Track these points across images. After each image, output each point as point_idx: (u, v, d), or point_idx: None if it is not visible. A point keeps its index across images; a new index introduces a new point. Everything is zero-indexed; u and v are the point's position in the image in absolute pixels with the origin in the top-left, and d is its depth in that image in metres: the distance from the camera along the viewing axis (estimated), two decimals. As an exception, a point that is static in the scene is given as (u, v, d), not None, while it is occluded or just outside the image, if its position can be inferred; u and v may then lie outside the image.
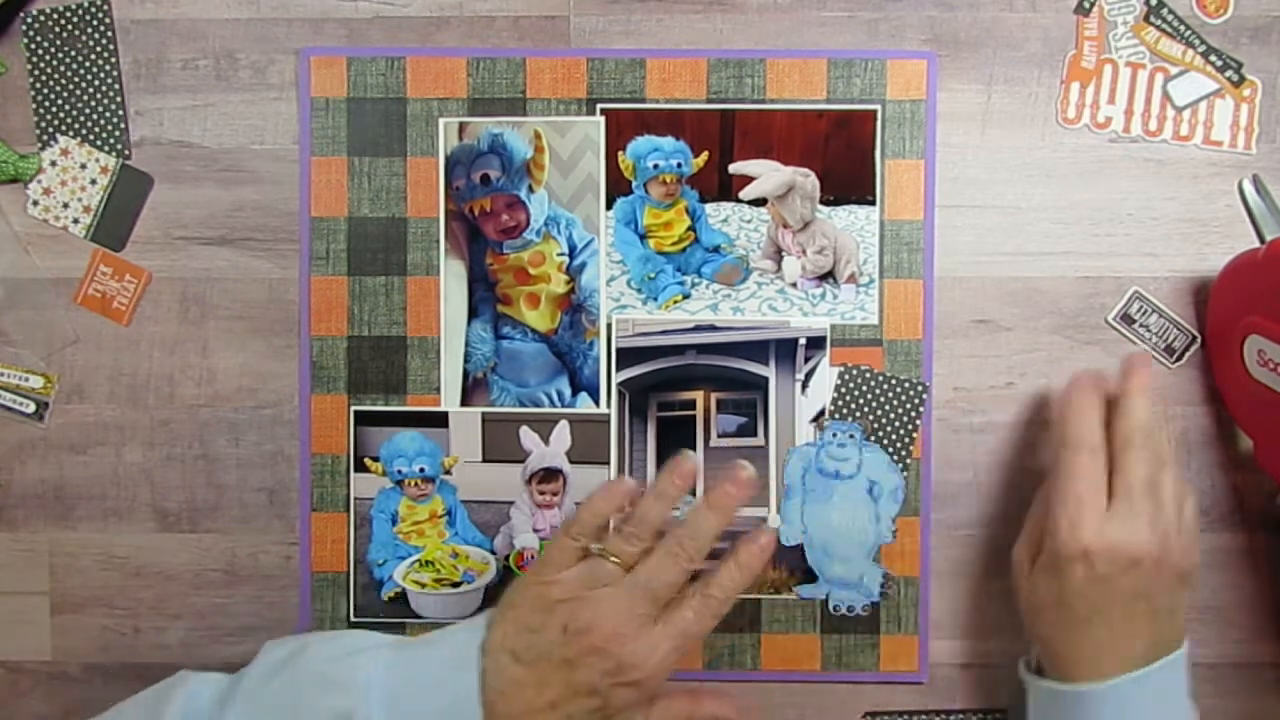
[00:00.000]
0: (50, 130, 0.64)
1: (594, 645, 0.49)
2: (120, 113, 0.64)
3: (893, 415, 0.63)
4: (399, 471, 0.64)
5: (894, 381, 0.63)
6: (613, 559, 0.52)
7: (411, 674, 0.50)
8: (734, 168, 0.63)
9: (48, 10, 0.63)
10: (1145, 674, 0.53)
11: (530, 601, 0.51)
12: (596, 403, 0.64)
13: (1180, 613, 0.55)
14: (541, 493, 0.64)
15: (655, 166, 0.63)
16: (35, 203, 0.64)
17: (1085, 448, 0.55)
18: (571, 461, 0.64)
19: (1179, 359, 0.63)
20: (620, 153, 0.63)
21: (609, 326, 0.64)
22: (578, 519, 0.53)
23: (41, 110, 0.64)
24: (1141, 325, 0.63)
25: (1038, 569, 0.56)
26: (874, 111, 0.63)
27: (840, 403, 0.63)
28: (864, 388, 0.63)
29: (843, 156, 0.63)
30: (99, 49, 0.64)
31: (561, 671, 0.49)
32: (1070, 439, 0.55)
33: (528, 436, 0.64)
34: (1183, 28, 0.63)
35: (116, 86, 0.64)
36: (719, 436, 0.64)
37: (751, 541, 0.53)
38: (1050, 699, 0.56)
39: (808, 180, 0.63)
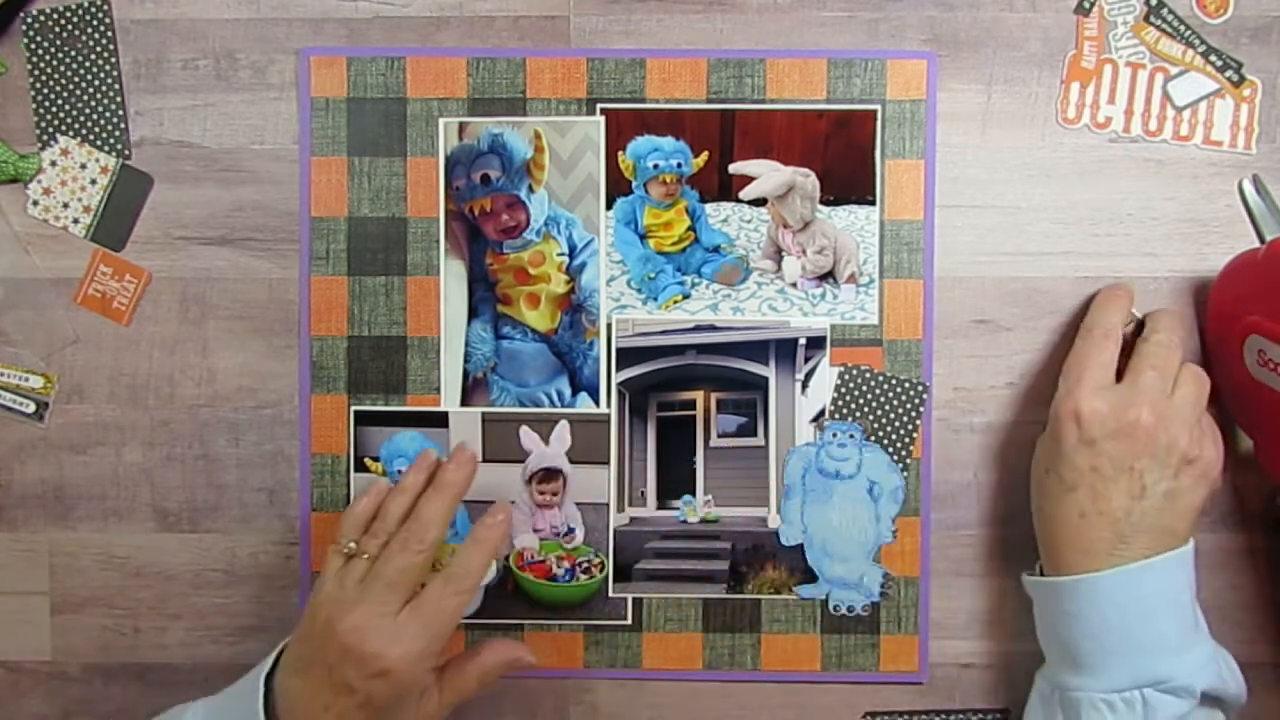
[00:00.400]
0: (50, 130, 0.64)
1: (341, 643, 0.51)
2: (120, 113, 0.64)
3: (893, 415, 0.63)
4: (399, 471, 0.64)
5: (894, 381, 0.63)
6: (364, 556, 0.53)
7: (219, 707, 0.54)
8: (734, 168, 0.63)
9: (48, 10, 0.63)
10: (1134, 569, 0.54)
11: (305, 612, 0.54)
12: (596, 403, 0.64)
13: (1185, 503, 0.55)
14: (541, 493, 0.64)
15: (655, 166, 0.63)
16: (35, 203, 0.64)
17: (1100, 329, 0.58)
18: (571, 461, 0.64)
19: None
20: (620, 153, 0.63)
21: (609, 326, 0.64)
22: (342, 525, 0.55)
23: (41, 110, 0.64)
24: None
25: (1041, 438, 0.59)
26: (874, 111, 0.63)
27: (840, 403, 0.63)
28: (864, 388, 0.63)
29: (843, 156, 0.63)
30: (99, 49, 0.64)
31: (326, 674, 0.51)
32: (1088, 323, 0.59)
33: (528, 436, 0.64)
34: (1183, 28, 0.63)
35: (116, 86, 0.64)
36: (719, 436, 0.64)
37: (488, 516, 0.55)
38: (1042, 595, 0.58)
39: (808, 180, 0.63)
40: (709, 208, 0.64)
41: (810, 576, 0.64)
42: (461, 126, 0.63)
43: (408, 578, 0.52)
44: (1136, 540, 0.54)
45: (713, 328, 0.64)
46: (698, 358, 0.64)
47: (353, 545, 0.54)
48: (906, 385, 0.63)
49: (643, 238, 0.64)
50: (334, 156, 0.64)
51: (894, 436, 0.63)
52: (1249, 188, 0.63)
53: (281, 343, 0.64)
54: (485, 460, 0.64)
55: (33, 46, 0.63)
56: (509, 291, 0.64)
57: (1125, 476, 0.55)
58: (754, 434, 0.64)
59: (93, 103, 0.64)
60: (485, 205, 0.64)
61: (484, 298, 0.64)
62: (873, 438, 0.63)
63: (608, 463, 0.64)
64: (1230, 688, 0.55)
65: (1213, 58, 0.63)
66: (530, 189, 0.64)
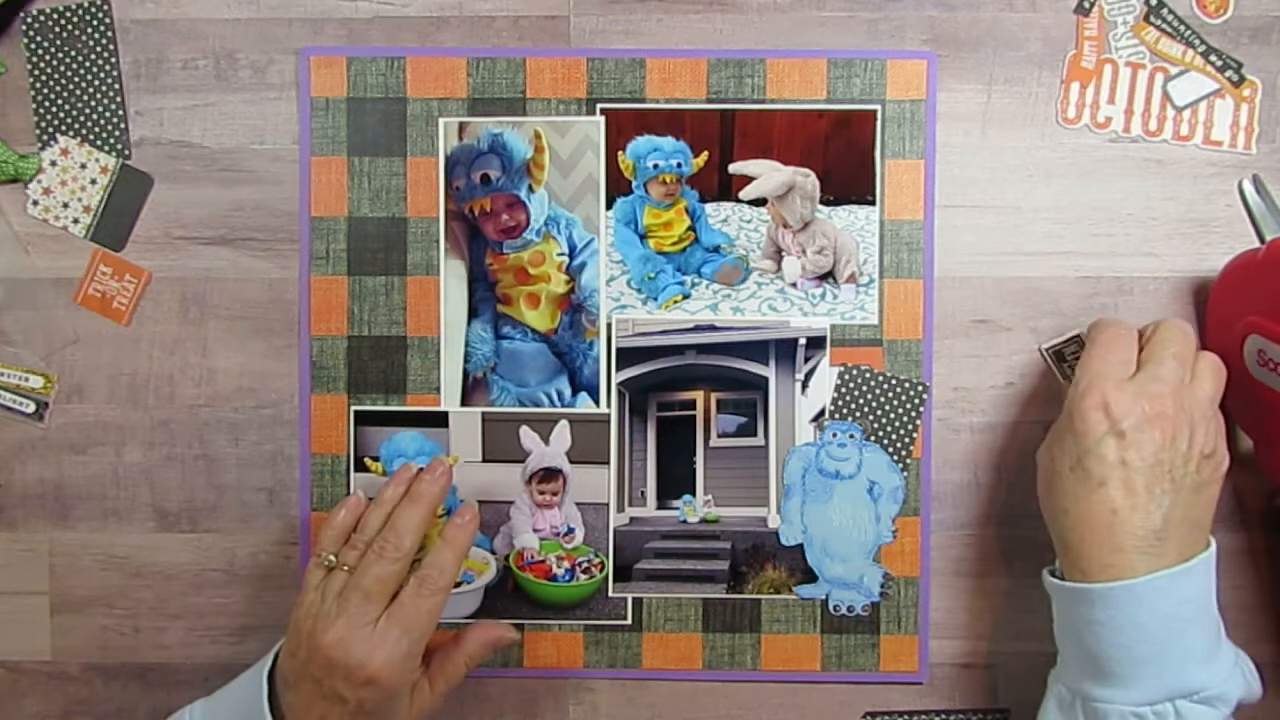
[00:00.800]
0: (50, 130, 0.64)
1: (325, 656, 0.52)
2: (120, 113, 0.64)
3: (893, 415, 0.63)
4: (399, 471, 0.64)
5: (894, 381, 0.63)
6: (344, 568, 0.54)
7: (220, 708, 0.56)
8: (734, 168, 0.63)
9: (48, 10, 0.63)
10: (1173, 574, 0.52)
11: (289, 627, 0.55)
12: (596, 403, 0.64)
13: (1208, 495, 0.54)
14: (541, 492, 0.64)
15: (655, 166, 0.63)
16: (35, 203, 0.64)
17: (1114, 328, 0.57)
18: (571, 461, 0.64)
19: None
20: (620, 153, 0.63)
21: (609, 326, 0.64)
22: (321, 539, 0.56)
23: (41, 110, 0.64)
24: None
25: (1056, 432, 0.56)
26: (874, 111, 0.63)
27: (840, 403, 0.63)
28: (864, 388, 0.63)
29: (843, 156, 0.63)
30: (99, 49, 0.64)
31: (316, 687, 0.52)
32: (1099, 324, 0.58)
33: (528, 436, 0.64)
34: (1183, 28, 0.63)
35: (116, 86, 0.64)
36: (719, 436, 0.64)
37: (457, 517, 0.56)
38: (1067, 599, 0.55)
39: (808, 180, 0.63)
40: (709, 208, 0.64)
41: (810, 576, 0.64)
42: (461, 126, 0.63)
43: (384, 587, 0.53)
44: (1172, 536, 0.53)
45: (713, 328, 0.64)
46: (698, 358, 0.64)
47: (332, 559, 0.55)
48: (906, 385, 0.63)
49: (643, 238, 0.64)
50: (334, 156, 0.64)
51: (894, 436, 0.63)
52: (1249, 188, 0.63)
53: (281, 343, 0.64)
54: (485, 460, 0.64)
55: (33, 46, 0.63)
56: (509, 291, 0.64)
57: (1156, 470, 0.53)
58: (754, 434, 0.64)
59: (93, 103, 0.64)
60: (485, 205, 0.64)
61: (484, 298, 0.64)
62: (873, 438, 0.63)
63: (608, 463, 0.64)
64: (1255, 690, 0.55)
65: (1213, 58, 0.63)
66: (530, 189, 0.64)
